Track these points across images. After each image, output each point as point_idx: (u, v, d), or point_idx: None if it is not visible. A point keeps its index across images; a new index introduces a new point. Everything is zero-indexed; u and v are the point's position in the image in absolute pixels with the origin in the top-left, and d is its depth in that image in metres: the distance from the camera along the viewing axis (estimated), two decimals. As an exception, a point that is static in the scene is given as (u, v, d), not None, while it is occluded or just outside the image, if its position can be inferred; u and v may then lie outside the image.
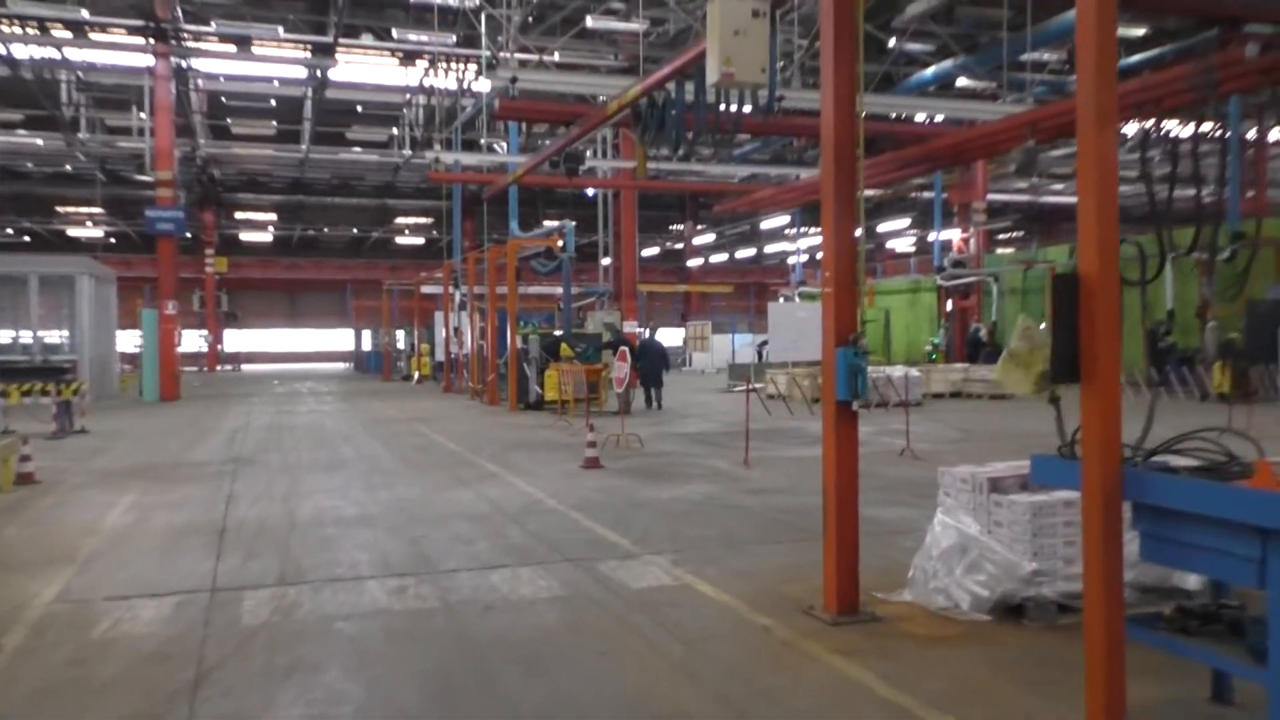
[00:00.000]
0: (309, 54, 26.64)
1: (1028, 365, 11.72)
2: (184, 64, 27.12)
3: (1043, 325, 9.04)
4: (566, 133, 12.94)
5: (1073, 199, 33.38)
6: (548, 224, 33.78)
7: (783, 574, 6.74)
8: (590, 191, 42.00)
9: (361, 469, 12.25)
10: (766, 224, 43.23)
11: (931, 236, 37.19)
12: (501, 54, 13.47)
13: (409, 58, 27.27)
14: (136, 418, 20.23)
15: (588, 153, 25.47)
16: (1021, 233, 53.61)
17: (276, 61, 26.43)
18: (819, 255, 51.38)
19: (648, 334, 26.33)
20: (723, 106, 9.82)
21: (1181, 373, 24.25)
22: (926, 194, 42.36)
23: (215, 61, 27.31)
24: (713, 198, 45.87)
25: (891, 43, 24.66)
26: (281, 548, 7.62)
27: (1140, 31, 25.47)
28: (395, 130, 36.60)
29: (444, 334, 30.36)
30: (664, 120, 9.77)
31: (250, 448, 14.64)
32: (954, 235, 33.44)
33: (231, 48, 25.93)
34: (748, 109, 9.28)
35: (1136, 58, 26.06)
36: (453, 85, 29.18)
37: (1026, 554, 5.45)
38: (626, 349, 14.33)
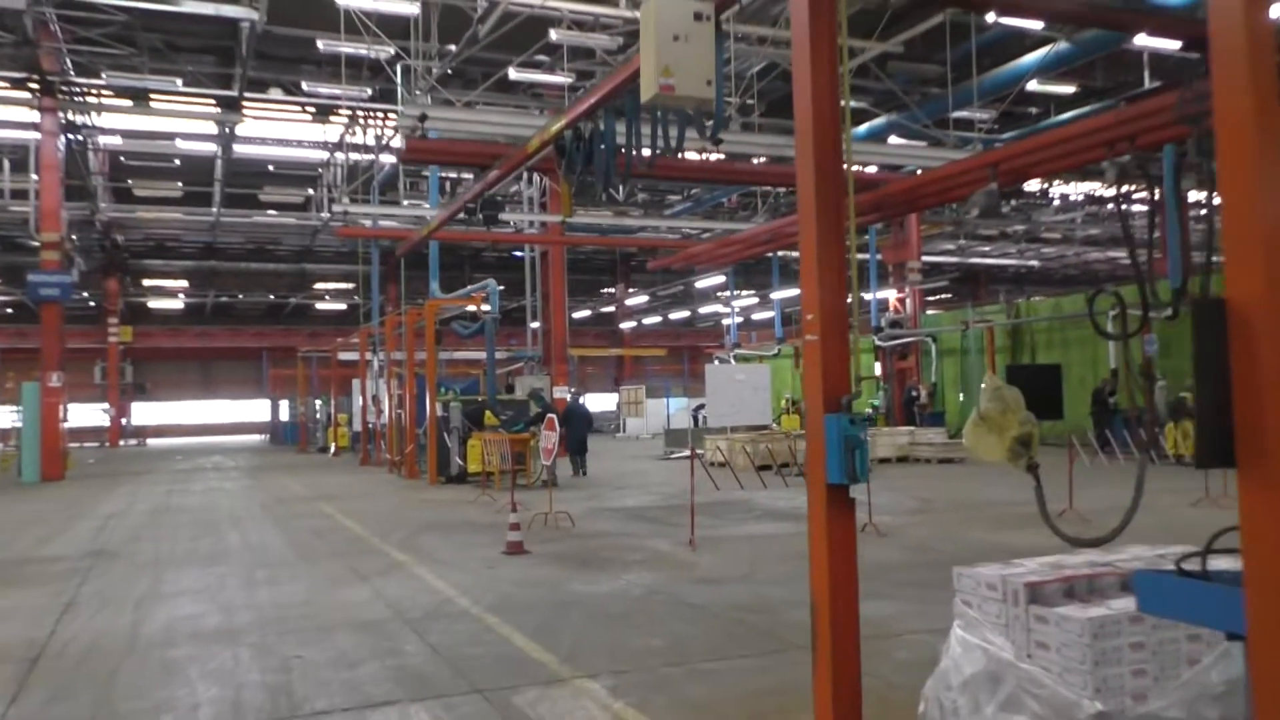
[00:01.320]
0: (214, 108, 25.07)
1: (1001, 429, 10.36)
2: (77, 119, 25.27)
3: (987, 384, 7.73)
4: (484, 177, 11.63)
5: (1001, 260, 33.17)
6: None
7: (755, 705, 5.27)
8: (518, 252, 40.78)
9: (244, 561, 10.49)
10: (702, 283, 42.25)
11: (868, 296, 36.57)
12: (414, 93, 12.28)
13: (321, 113, 25.84)
14: (3, 502, 18.03)
15: (515, 208, 24.24)
16: (950, 295, 53.69)
17: (177, 116, 24.77)
18: (754, 317, 50.44)
19: (570, 398, 24.87)
20: (657, 142, 8.61)
21: (1125, 434, 23.58)
22: (859, 255, 42.06)
23: (110, 117, 25.49)
24: (646, 255, 44.95)
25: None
26: (105, 682, 5.92)
27: (1070, 89, 25.26)
28: (312, 191, 34.99)
29: (361, 403, 28.51)
30: (591, 154, 8.51)
31: (120, 537, 12.73)
32: (889, 295, 32.79)
33: (127, 102, 24.18)
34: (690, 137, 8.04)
35: (1066, 115, 25.87)
36: (370, 141, 27.81)
37: (1085, 688, 4.07)
38: (554, 417, 12.88)
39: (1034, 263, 50.25)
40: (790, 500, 14.90)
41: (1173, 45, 20.98)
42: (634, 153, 7.77)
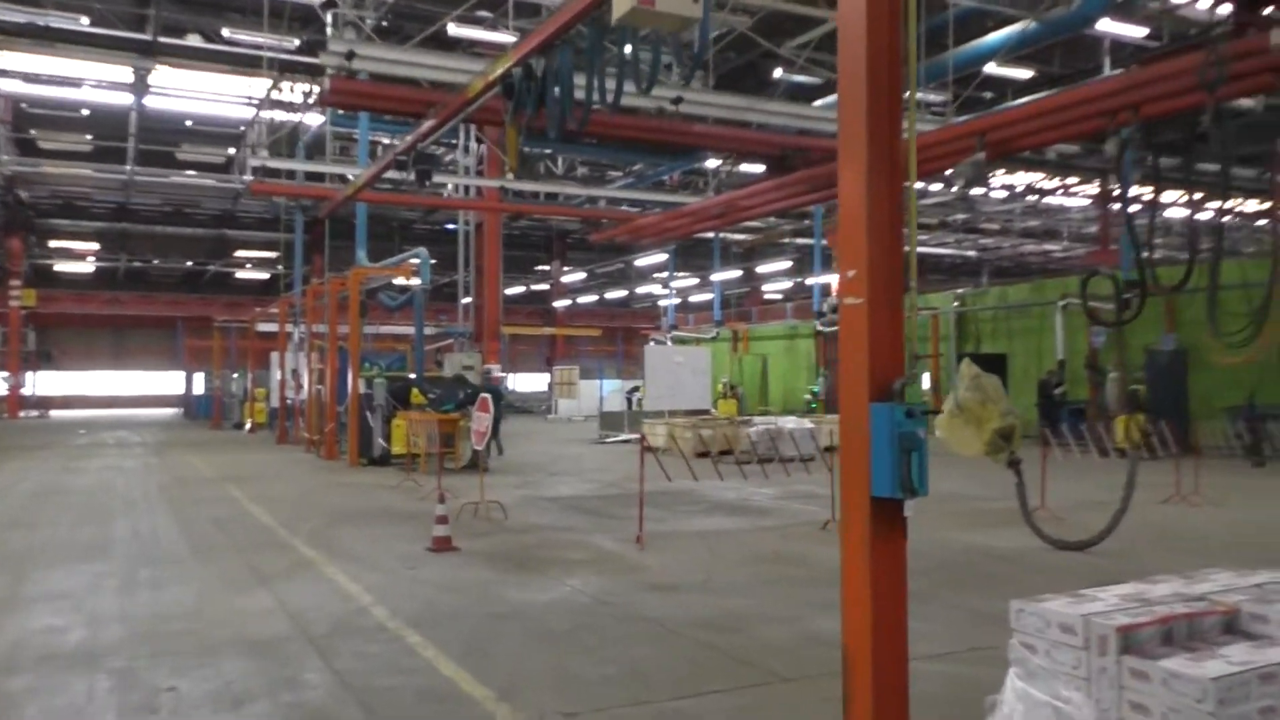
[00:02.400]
0: (126, 53, 23.12)
1: (980, 421, 9.36)
2: (-30, 60, 23.10)
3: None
4: (418, 127, 10.37)
5: (939, 249, 32.38)
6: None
7: (740, 763, 4.25)
8: (450, 225, 39.18)
9: (128, 556, 9.15)
10: (642, 261, 41.16)
11: (810, 280, 35.90)
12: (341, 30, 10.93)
13: (244, 64, 24.03)
14: None
15: (450, 174, 22.84)
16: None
17: (82, 59, 22.77)
18: (691, 299, 49.54)
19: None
20: (624, 77, 7.49)
21: (1076, 426, 23.19)
22: (800, 239, 41.34)
23: (7, 56, 23.35)
24: (582, 232, 43.67)
25: (778, 73, 23.09)
26: (-89, 725, 4.67)
27: (1028, 74, 24.68)
28: (234, 151, 32.97)
29: (279, 377, 26.87)
30: (544, 95, 7.36)
31: (-9, 523, 11.24)
32: (832, 280, 32.12)
33: (26, 40, 22.12)
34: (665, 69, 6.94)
35: (1022, 100, 25.30)
36: (296, 99, 26.07)
37: (1200, 769, 3.11)
38: (488, 397, 11.71)
39: (971, 253, 50.19)
40: (738, 491, 13.96)
41: (1137, 33, 20.42)
42: (595, 94, 6.66)
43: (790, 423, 19.48)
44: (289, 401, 26.18)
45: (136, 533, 10.53)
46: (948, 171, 9.86)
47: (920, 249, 46.42)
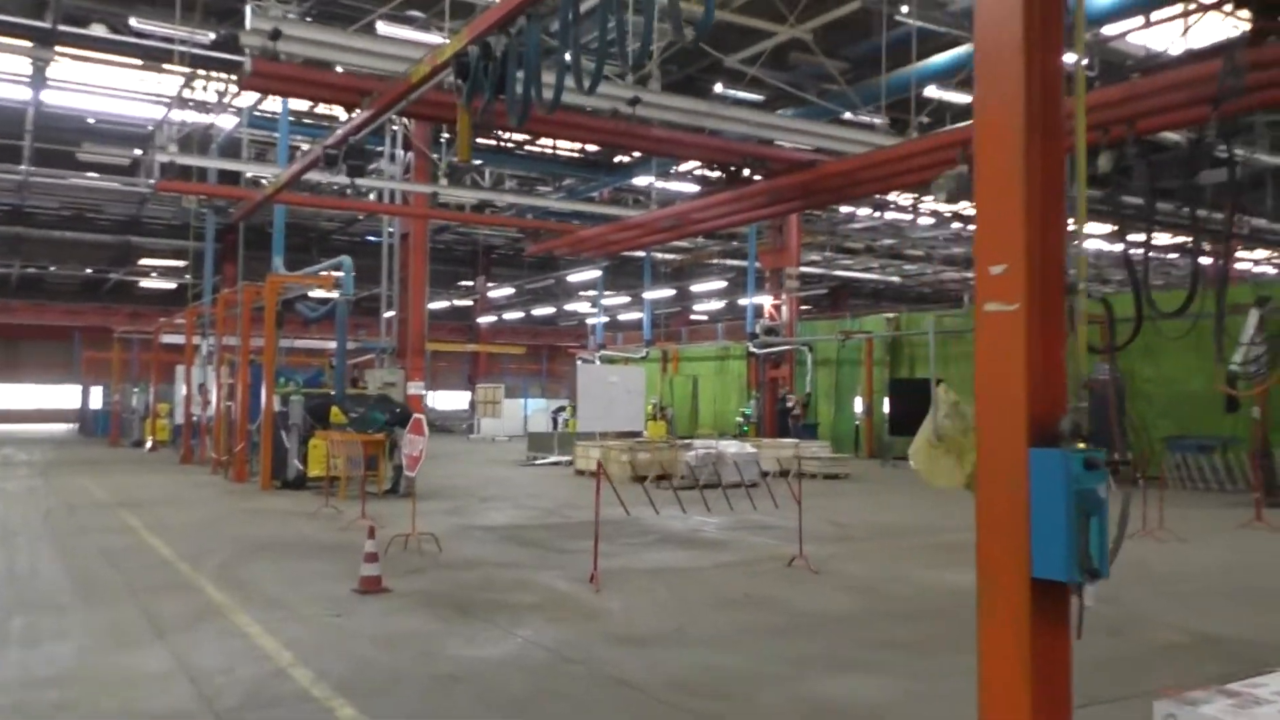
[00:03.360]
0: (23, 43, 21.40)
1: (961, 452, 8.57)
2: None
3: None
4: (350, 120, 9.34)
5: (864, 274, 32.04)
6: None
7: None
8: (372, 236, 37.70)
9: None
10: (573, 278, 40.11)
11: (743, 301, 35.40)
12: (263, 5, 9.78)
13: (153, 58, 22.48)
14: None
15: (375, 180, 21.63)
16: (808, 306, 53.47)
17: (-26, 46, 20.98)
18: (619, 318, 48.66)
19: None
20: (607, 49, 6.62)
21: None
22: (730, 260, 40.88)
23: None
24: (516, 243, 42.46)
25: (718, 88, 22.51)
26: None
27: (967, 99, 24.57)
28: (140, 153, 31.06)
29: (185, 392, 25.18)
30: (505, 78, 6.45)
31: None
32: (765, 300, 31.63)
33: (-91, 22, 20.29)
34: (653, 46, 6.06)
35: (961, 125, 25.17)
36: (210, 97, 24.57)
37: None
38: (421, 419, 10.67)
39: (895, 278, 50.50)
40: (684, 521, 13.08)
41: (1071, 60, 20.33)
42: (568, 73, 5.76)
43: (732, 447, 18.72)
44: (195, 418, 24.52)
45: (11, 571, 9.18)
46: (930, 185, 9.21)
47: (845, 272, 46.60)
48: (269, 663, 6.05)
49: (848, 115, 21.73)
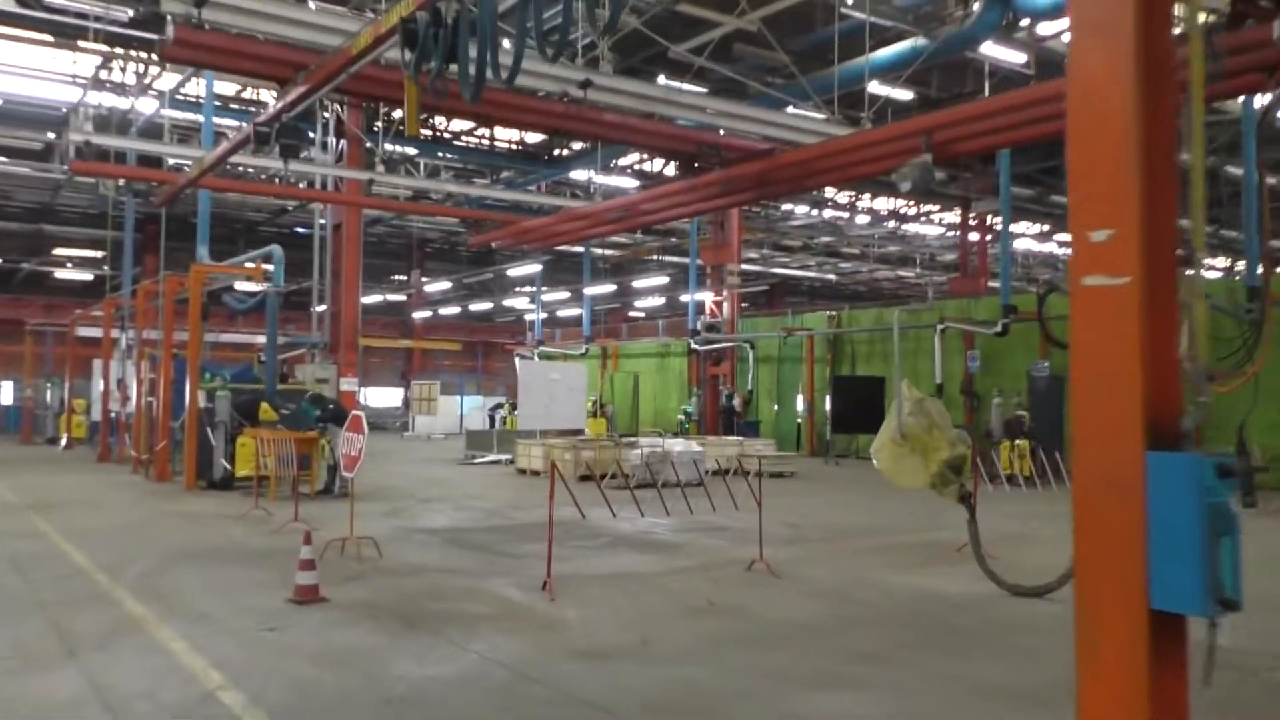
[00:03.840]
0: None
1: (926, 450, 8.27)
2: None
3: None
4: (283, 96, 8.69)
5: (800, 272, 31.76)
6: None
7: None
8: (301, 229, 36.52)
9: (-110, 615, 7.10)
10: (513, 272, 39.29)
11: (684, 297, 35.08)
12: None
13: (68, 36, 21.30)
14: None
15: (308, 165, 20.75)
16: (745, 304, 53.43)
17: None
18: (558, 314, 47.97)
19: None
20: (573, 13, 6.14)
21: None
22: (669, 257, 40.53)
23: None
24: (446, 240, 41.62)
25: (661, 80, 22.11)
26: None
27: (908, 95, 24.54)
28: (54, 136, 29.57)
29: (102, 387, 23.99)
30: (456, 45, 5.93)
31: None
32: (706, 297, 31.34)
33: None
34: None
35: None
36: (129, 80, 23.43)
37: None
38: (362, 415, 10.07)
39: (832, 276, 50.74)
40: (633, 523, 12.63)
41: (1017, 58, 20.39)
42: (529, 40, 5.27)
43: (678, 445, 18.34)
44: (113, 415, 23.38)
45: (-95, 581, 8.38)
46: (891, 175, 8.89)
47: (782, 270, 46.61)
48: (195, 685, 5.45)
49: (791, 109, 21.50)
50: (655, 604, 7.79)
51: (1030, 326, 22.30)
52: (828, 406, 27.84)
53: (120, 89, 24.90)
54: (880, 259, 47.54)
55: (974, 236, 36.67)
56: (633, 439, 20.20)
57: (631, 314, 51.29)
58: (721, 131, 11.33)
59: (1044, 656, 6.29)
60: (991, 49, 19.56)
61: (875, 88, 22.60)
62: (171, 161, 21.43)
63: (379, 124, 25.79)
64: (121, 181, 27.17)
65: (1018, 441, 19.10)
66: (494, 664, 5.96)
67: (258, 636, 6.56)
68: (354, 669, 5.81)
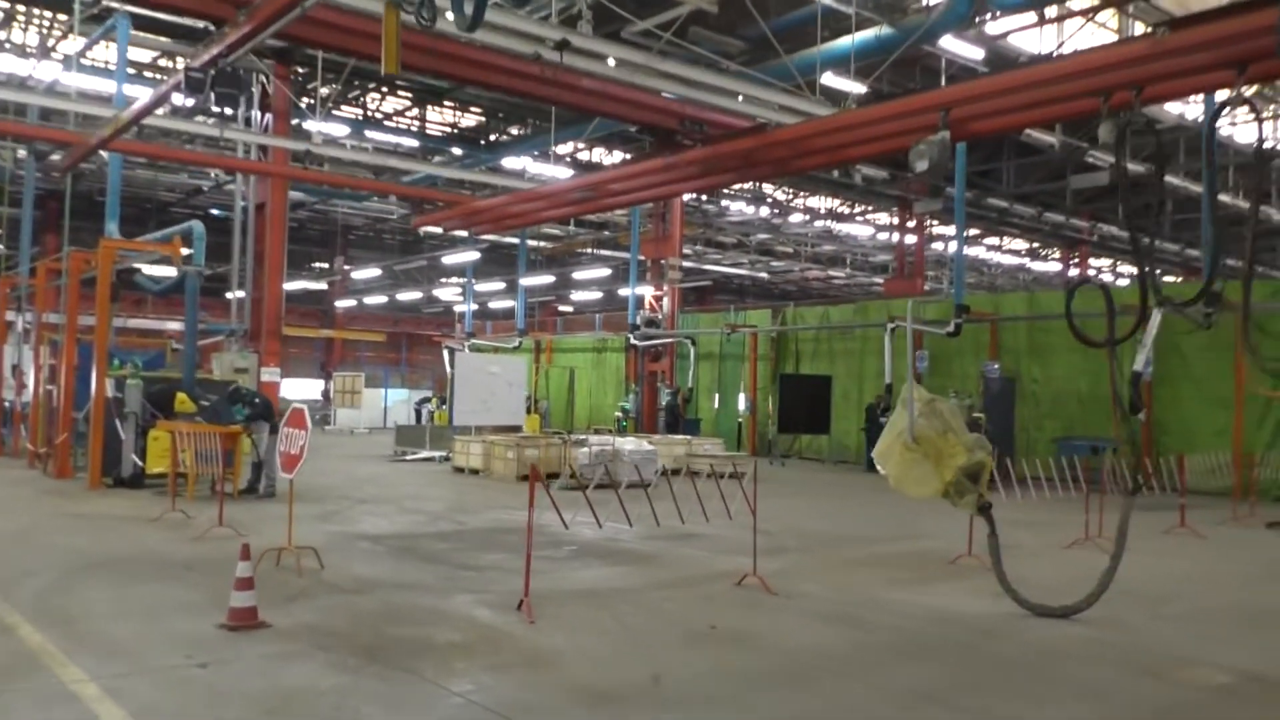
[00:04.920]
0: None
1: (940, 456, 7.43)
2: None
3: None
4: (216, 37, 7.47)
5: (733, 269, 30.66)
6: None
7: None
8: (217, 210, 34.52)
9: None
10: (449, 259, 37.68)
11: (623, 291, 34.10)
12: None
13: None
14: None
15: (237, 133, 19.20)
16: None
17: None
18: (489, 305, 46.43)
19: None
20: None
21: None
22: (603, 251, 39.53)
23: None
24: (386, 219, 39.88)
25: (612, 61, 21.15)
26: None
27: (861, 88, 23.99)
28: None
29: (-5, 374, 22.02)
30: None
31: None
32: (646, 291, 30.43)
33: None
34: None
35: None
36: (31, 42, 21.66)
37: None
38: (304, 409, 8.91)
39: (764, 275, 50.33)
40: (593, 529, 11.54)
41: (974, 54, 19.91)
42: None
43: (629, 443, 17.39)
44: (7, 404, 21.45)
45: None
46: (908, 154, 8.09)
47: (714, 267, 45.93)
48: (114, 749, 4.32)
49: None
50: (649, 628, 6.84)
51: (979, 328, 21.96)
52: (770, 406, 27.23)
53: (21, 51, 22.97)
54: (812, 259, 47.28)
55: (911, 239, 36.48)
56: (581, 437, 19.15)
57: (562, 308, 50.15)
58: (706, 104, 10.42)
59: (1114, 696, 5.52)
60: (951, 43, 19.01)
61: (829, 79, 22.01)
62: (84, 109, 19.52)
63: (306, 101, 24.31)
64: (21, 152, 25.16)
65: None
66: (486, 712, 4.94)
67: (188, 676, 5.41)
68: (311, 721, 4.73)
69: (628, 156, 27.81)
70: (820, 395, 24.04)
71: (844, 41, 18.83)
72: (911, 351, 22.98)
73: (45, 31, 22.06)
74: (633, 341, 29.27)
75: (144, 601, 7.20)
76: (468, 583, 8.23)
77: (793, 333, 26.88)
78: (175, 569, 8.48)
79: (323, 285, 47.15)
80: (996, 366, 21.28)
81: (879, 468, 8.42)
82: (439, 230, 38.39)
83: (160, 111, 13.76)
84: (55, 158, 26.42)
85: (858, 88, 23.83)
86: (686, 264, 42.55)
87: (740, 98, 10.47)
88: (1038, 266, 46.68)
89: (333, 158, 20.66)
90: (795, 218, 39.86)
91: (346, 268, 45.80)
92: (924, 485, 8.01)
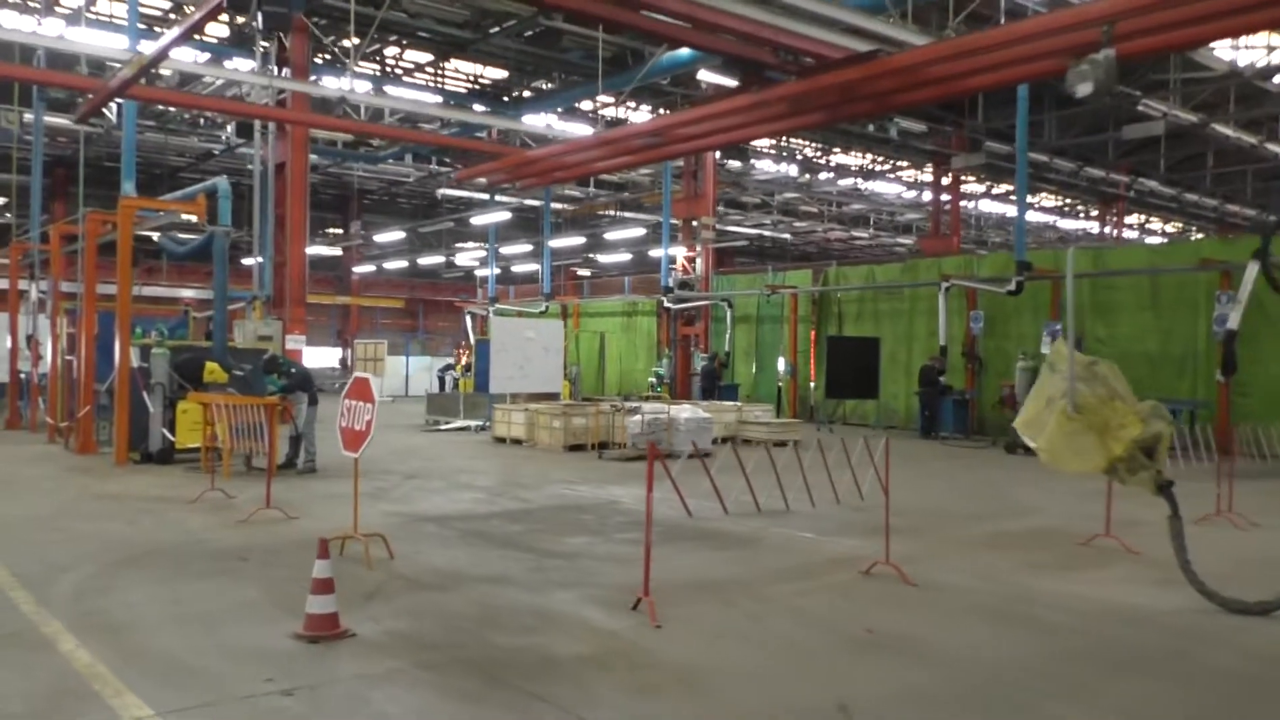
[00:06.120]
0: None
1: (1105, 427, 6.32)
2: None
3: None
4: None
5: (755, 230, 29.29)
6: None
7: None
8: (231, 176, 33.35)
9: None
10: (477, 220, 36.37)
11: (654, 253, 32.99)
12: None
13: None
14: None
15: (252, 76, 18.00)
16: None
17: None
18: (515, 268, 45.20)
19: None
20: None
21: (960, 418, 21.47)
22: (624, 213, 38.30)
23: None
24: (401, 183, 38.61)
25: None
26: None
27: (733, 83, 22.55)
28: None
29: (10, 345, 21.07)
30: None
31: None
32: (679, 253, 29.29)
33: None
34: None
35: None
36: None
37: None
38: (368, 378, 7.90)
39: (787, 236, 48.94)
40: (669, 504, 10.57)
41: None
42: None
43: (685, 411, 16.35)
44: (22, 376, 20.52)
45: None
46: (1066, 77, 6.96)
47: (736, 228, 44.50)
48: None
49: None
50: (796, 633, 5.82)
51: (1037, 286, 20.74)
52: (812, 369, 26.16)
53: (24, 7, 21.75)
54: (836, 219, 45.98)
55: (945, 196, 35.16)
56: (635, 405, 18.11)
57: (581, 272, 48.97)
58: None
59: None
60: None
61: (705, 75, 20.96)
62: (106, 48, 18.20)
63: (323, 56, 23.10)
64: (28, 116, 23.99)
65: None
66: (655, 757, 3.93)
67: (275, 708, 4.42)
68: (446, 774, 3.72)
69: (663, 111, 26.50)
70: (869, 358, 22.92)
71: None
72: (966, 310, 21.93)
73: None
74: (666, 304, 28.19)
75: (199, 603, 6.21)
76: (560, 574, 7.22)
77: (834, 294, 25.75)
78: (227, 560, 7.48)
79: (337, 251, 46.03)
80: (1059, 327, 20.07)
81: (1025, 440, 7.36)
82: (459, 193, 37.42)
83: (178, 57, 12.68)
84: (60, 121, 25.36)
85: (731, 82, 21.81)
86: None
87: (839, 26, 9.28)
88: (1066, 225, 45.23)
89: (373, 105, 19.46)
90: (823, 176, 38.57)
91: (364, 233, 44.67)
92: (1086, 459, 6.95)
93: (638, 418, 15.97)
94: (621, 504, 10.77)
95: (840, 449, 10.30)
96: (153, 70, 10.90)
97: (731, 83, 22.88)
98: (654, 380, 27.93)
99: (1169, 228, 48.61)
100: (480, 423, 20.94)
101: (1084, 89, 6.93)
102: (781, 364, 26.01)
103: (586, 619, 5.98)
